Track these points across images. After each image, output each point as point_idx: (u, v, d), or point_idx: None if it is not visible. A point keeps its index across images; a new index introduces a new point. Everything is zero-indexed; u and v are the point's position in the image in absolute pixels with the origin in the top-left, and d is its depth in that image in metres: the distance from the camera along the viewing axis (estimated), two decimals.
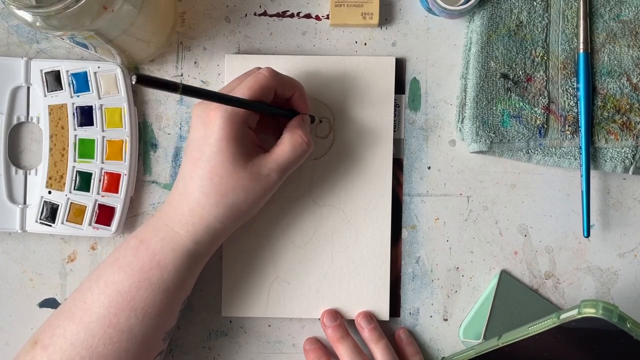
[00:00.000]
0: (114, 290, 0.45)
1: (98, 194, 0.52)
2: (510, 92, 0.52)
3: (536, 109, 0.52)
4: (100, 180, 0.52)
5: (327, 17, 0.53)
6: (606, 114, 0.52)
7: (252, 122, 0.46)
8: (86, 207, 0.52)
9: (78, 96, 0.52)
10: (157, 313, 0.45)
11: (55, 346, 0.44)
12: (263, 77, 0.45)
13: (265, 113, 0.47)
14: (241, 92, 0.44)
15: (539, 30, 0.52)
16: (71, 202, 0.52)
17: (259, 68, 0.47)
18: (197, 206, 0.45)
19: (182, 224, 0.45)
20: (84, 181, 0.52)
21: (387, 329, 0.53)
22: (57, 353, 0.44)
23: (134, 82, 0.36)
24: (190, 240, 0.45)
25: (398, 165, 0.53)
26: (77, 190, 0.52)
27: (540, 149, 0.52)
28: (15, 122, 0.52)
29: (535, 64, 0.52)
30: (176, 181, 0.47)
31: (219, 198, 0.45)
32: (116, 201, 0.52)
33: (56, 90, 0.52)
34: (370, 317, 0.52)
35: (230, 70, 0.52)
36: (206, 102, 0.45)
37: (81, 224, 0.52)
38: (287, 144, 0.46)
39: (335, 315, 0.52)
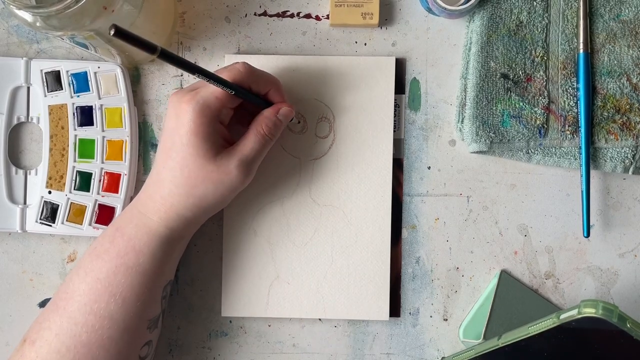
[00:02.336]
0: (92, 277, 0.45)
1: (98, 194, 0.52)
2: (510, 92, 0.52)
3: (536, 109, 0.52)
4: (100, 180, 0.52)
5: (327, 17, 0.53)
6: (606, 114, 0.52)
7: (224, 117, 0.47)
8: (86, 207, 0.52)
9: (78, 96, 0.52)
10: (136, 298, 0.45)
11: (42, 340, 0.45)
12: (237, 73, 0.45)
13: (243, 98, 0.46)
14: (213, 87, 0.44)
15: (539, 30, 0.52)
16: (71, 202, 0.52)
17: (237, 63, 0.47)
18: (168, 195, 0.46)
19: (155, 211, 0.46)
20: (84, 181, 0.52)
21: (387, 329, 0.53)
22: (44, 346, 0.44)
23: (111, 34, 0.35)
24: (163, 226, 0.46)
25: (398, 165, 0.53)
26: (77, 190, 0.52)
27: (540, 149, 0.52)
28: (15, 122, 0.52)
29: (535, 64, 0.52)
30: (152, 169, 0.47)
31: (188, 189, 0.45)
32: (116, 201, 0.52)
33: (56, 90, 0.52)
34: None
35: None
36: (181, 92, 0.45)
37: (81, 224, 0.52)
38: (250, 137, 0.47)
39: None
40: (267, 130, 0.47)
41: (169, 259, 0.48)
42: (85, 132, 0.52)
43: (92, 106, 0.52)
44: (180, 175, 0.45)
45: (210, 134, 0.45)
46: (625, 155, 0.52)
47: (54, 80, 0.52)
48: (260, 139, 0.47)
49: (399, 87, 0.53)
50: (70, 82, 0.52)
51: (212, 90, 0.45)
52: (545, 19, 0.52)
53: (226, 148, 0.46)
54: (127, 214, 0.47)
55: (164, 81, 0.53)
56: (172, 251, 0.48)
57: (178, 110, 0.45)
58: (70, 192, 0.52)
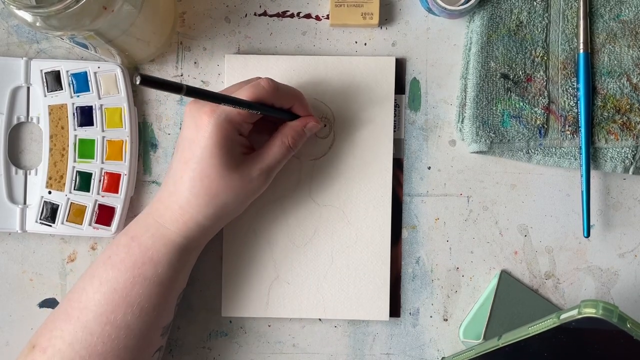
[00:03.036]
0: (108, 287, 0.45)
1: (98, 194, 0.52)
2: (510, 92, 0.52)
3: (536, 109, 0.52)
4: (100, 180, 0.52)
5: (327, 17, 0.53)
6: (606, 114, 0.52)
7: (244, 129, 0.46)
8: (86, 207, 0.52)
9: (78, 96, 0.52)
10: (153, 308, 0.45)
11: (54, 348, 0.44)
12: (261, 89, 0.45)
13: (268, 115, 0.47)
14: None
15: (539, 30, 0.52)
16: (71, 202, 0.52)
17: (259, 78, 0.47)
18: (187, 205, 0.45)
19: (172, 221, 0.46)
20: (84, 181, 0.52)
21: (387, 329, 0.53)
22: (56, 355, 0.44)
23: (137, 83, 0.36)
24: (180, 236, 0.46)
25: (398, 165, 0.53)
26: (77, 190, 0.52)
27: (540, 149, 0.52)
28: (15, 122, 0.52)
29: (535, 64, 0.52)
30: (166, 178, 0.47)
31: (208, 199, 0.45)
32: (116, 201, 0.52)
33: (56, 90, 0.52)
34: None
35: (230, 70, 0.52)
36: (200, 102, 0.45)
37: (81, 224, 0.52)
38: (274, 147, 0.47)
39: None
40: (292, 142, 0.47)
41: (184, 268, 0.48)
42: (85, 132, 0.52)
43: (92, 106, 0.52)
44: (200, 185, 0.45)
45: (232, 146, 0.45)
46: (625, 155, 0.52)
47: (54, 80, 0.52)
48: (285, 150, 0.47)
49: (399, 87, 0.53)
50: (70, 82, 0.52)
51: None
52: (545, 19, 0.52)
53: (245, 155, 0.46)
54: (141, 223, 0.47)
55: None
56: (188, 260, 0.48)
57: (198, 120, 0.44)
58: (70, 192, 0.52)
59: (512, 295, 0.53)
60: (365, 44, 0.53)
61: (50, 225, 0.52)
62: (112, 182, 0.52)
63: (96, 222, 0.52)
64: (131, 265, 0.45)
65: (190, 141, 0.45)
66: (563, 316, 0.41)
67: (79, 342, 0.44)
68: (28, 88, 0.52)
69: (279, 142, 0.47)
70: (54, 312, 0.46)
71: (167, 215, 0.46)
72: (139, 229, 0.47)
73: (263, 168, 0.46)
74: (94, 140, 0.52)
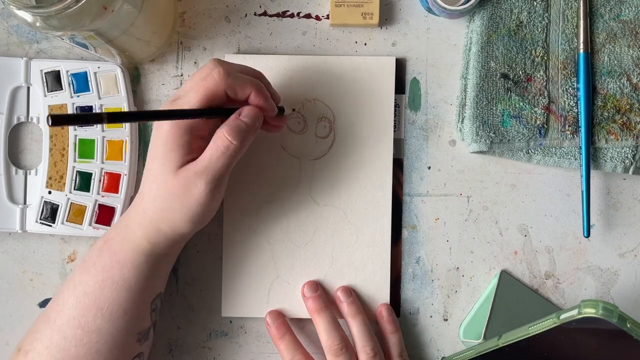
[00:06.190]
0: (80, 290, 0.45)
1: (98, 194, 0.52)
2: (510, 92, 0.52)
3: (536, 109, 0.52)
4: (100, 181, 0.52)
5: (327, 17, 0.53)
6: (606, 114, 0.52)
7: (202, 130, 0.44)
8: (86, 207, 0.52)
9: (78, 96, 0.52)
10: (123, 312, 0.45)
11: (34, 351, 0.44)
12: (212, 81, 0.43)
13: (207, 117, 0.44)
14: (188, 98, 0.43)
15: (539, 30, 0.52)
16: (71, 202, 0.52)
17: (215, 62, 0.44)
18: (149, 208, 0.45)
19: (138, 225, 0.45)
20: (84, 181, 0.52)
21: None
22: (35, 358, 0.44)
23: (49, 124, 0.34)
24: (145, 240, 0.45)
25: (398, 165, 0.53)
26: (77, 190, 0.52)
27: (540, 149, 0.52)
28: (15, 122, 0.52)
29: (535, 64, 0.52)
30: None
31: (161, 202, 0.44)
32: (116, 201, 0.52)
33: (56, 90, 0.52)
34: (349, 291, 0.52)
35: None
36: (166, 104, 0.44)
37: (81, 224, 0.52)
38: (210, 147, 0.43)
39: (316, 286, 0.52)
40: (230, 135, 0.43)
41: (154, 275, 0.46)
42: (85, 132, 0.52)
43: (92, 106, 0.52)
44: (155, 188, 0.44)
45: (180, 145, 0.43)
46: (625, 155, 0.52)
47: (54, 80, 0.52)
48: (221, 148, 0.43)
49: (399, 87, 0.53)
50: (70, 82, 0.52)
51: (187, 101, 0.43)
52: (545, 19, 0.52)
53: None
54: (116, 226, 0.47)
55: (164, 81, 0.53)
56: (157, 267, 0.46)
57: (158, 123, 0.44)
58: (70, 192, 0.52)
59: (512, 295, 0.53)
60: (365, 44, 0.53)
61: (50, 225, 0.52)
62: (112, 182, 0.52)
63: (96, 222, 0.52)
64: (101, 268, 0.45)
65: (152, 142, 0.45)
66: (563, 316, 0.41)
67: (54, 345, 0.44)
68: (28, 88, 0.52)
69: (213, 142, 0.43)
70: (39, 316, 0.46)
71: (135, 218, 0.46)
72: (112, 232, 0.46)
73: (199, 171, 0.42)
74: (94, 140, 0.52)
